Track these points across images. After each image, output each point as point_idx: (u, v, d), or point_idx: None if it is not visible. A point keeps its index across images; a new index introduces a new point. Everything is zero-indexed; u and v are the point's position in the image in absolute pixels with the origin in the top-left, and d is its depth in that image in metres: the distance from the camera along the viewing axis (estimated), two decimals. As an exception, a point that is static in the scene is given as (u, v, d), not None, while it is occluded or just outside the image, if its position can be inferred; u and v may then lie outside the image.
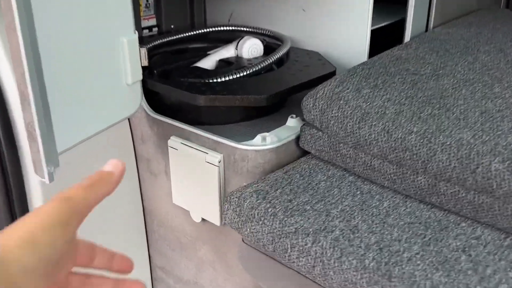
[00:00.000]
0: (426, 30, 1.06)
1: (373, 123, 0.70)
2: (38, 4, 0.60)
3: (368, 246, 0.61)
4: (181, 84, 0.85)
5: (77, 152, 0.80)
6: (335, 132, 0.73)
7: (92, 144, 0.84)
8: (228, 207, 0.70)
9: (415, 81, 0.78)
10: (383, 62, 0.84)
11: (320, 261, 0.61)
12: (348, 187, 0.73)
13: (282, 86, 0.84)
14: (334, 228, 0.64)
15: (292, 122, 0.83)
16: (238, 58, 1.00)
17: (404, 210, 0.68)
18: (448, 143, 0.63)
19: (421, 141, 0.66)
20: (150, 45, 0.99)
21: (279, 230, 0.65)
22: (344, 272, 0.59)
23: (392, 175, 0.70)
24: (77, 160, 0.85)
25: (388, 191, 0.72)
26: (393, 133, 0.68)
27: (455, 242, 0.61)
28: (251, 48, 1.00)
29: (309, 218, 0.65)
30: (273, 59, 0.92)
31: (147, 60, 0.85)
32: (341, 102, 0.73)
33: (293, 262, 0.64)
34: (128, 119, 0.92)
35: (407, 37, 1.00)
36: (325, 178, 0.75)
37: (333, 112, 0.73)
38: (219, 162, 0.79)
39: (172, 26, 1.16)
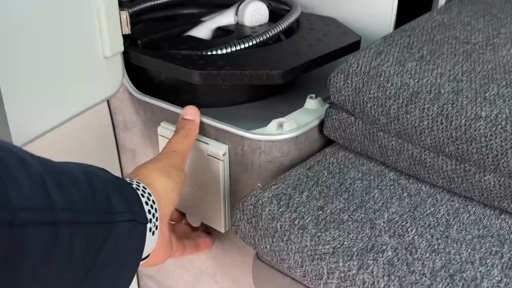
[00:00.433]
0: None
1: (426, 106, 0.54)
2: None
3: (434, 272, 0.45)
4: (173, 57, 0.68)
5: (45, 143, 0.63)
6: (374, 117, 0.57)
7: (63, 133, 0.67)
8: (241, 217, 0.54)
9: (469, 51, 0.63)
10: (424, 28, 0.68)
11: (371, 293, 0.46)
12: (391, 187, 0.57)
13: (299, 59, 0.67)
14: (384, 247, 0.48)
15: (312, 104, 0.67)
16: (238, 26, 0.83)
17: (468, 218, 0.53)
18: (535, 133, 0.48)
19: (493, 129, 0.50)
20: (133, 9, 0.81)
21: (310, 250, 0.49)
22: (405, 309, 0.44)
23: (449, 173, 0.55)
24: (46, 152, 0.68)
25: (443, 192, 0.57)
26: (454, 118, 0.52)
27: (548, 264, 0.46)
28: (254, 13, 0.83)
29: (349, 233, 0.50)
30: (284, 26, 0.76)
31: (129, 27, 0.67)
32: (381, 78, 0.57)
33: (331, 291, 0.48)
34: (107, 101, 0.75)
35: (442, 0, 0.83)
36: (360, 175, 0.59)
37: (372, 92, 0.57)
38: (224, 155, 0.63)
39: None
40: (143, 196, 0.46)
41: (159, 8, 0.88)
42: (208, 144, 0.64)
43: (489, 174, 0.52)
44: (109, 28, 0.64)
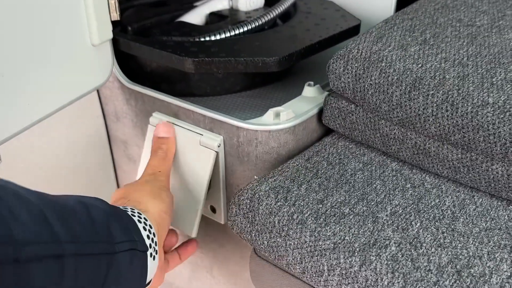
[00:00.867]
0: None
1: (430, 92, 0.51)
2: None
3: (441, 268, 0.43)
4: (164, 44, 0.65)
5: (33, 136, 0.60)
6: (375, 105, 0.55)
7: (52, 125, 0.65)
8: (236, 211, 0.52)
9: (473, 34, 0.60)
10: (427, 10, 0.65)
11: (374, 291, 0.43)
12: (394, 178, 0.55)
13: (296, 44, 0.64)
14: (388, 242, 0.46)
15: (310, 92, 0.64)
16: (233, 11, 0.79)
17: (475, 209, 0.50)
18: (546, 120, 0.45)
19: (501, 116, 0.48)
20: (122, -5, 0.78)
21: (310, 246, 0.47)
22: (410, 308, 0.42)
23: (455, 162, 0.52)
24: (35, 145, 0.65)
25: (448, 183, 0.54)
26: (460, 105, 0.50)
27: (560, 258, 0.44)
28: (249, -3, 0.80)
29: (351, 228, 0.47)
30: (280, 10, 0.73)
31: (118, 13, 0.64)
32: (383, 64, 0.54)
33: (332, 289, 0.46)
34: (97, 91, 0.72)
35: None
36: (361, 166, 0.56)
37: (373, 78, 0.54)
38: (219, 146, 0.60)
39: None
40: (139, 222, 0.46)
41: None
42: (202, 135, 0.61)
43: (497, 163, 0.50)
44: (96, 14, 0.61)
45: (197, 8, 0.79)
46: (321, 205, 0.50)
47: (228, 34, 0.68)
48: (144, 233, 0.45)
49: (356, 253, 0.45)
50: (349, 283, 0.44)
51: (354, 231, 0.47)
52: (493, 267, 0.43)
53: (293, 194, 0.51)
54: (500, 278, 0.42)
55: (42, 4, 0.54)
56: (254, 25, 0.69)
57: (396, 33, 0.59)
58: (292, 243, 0.48)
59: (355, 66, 0.55)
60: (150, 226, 0.47)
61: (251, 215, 0.50)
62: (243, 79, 0.70)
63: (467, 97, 0.50)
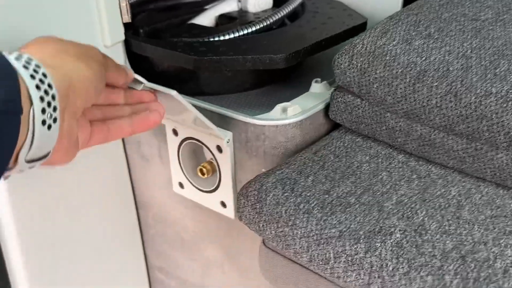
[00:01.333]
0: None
1: (434, 84, 0.52)
2: None
3: (445, 254, 0.44)
4: (175, 45, 0.66)
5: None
6: (380, 98, 0.56)
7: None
8: (245, 203, 0.53)
9: (478, 28, 0.60)
10: (432, 6, 0.66)
11: (379, 277, 0.44)
12: (400, 169, 0.55)
13: (303, 42, 0.65)
14: (392, 229, 0.47)
15: (318, 88, 0.66)
16: (242, 12, 0.81)
17: (480, 198, 0.51)
18: (548, 106, 0.46)
19: (504, 105, 0.48)
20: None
21: (316, 234, 0.48)
22: (415, 292, 0.42)
23: (460, 152, 0.53)
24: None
25: (454, 173, 0.55)
26: (464, 96, 0.50)
27: None
28: (257, -1, 0.81)
29: (356, 216, 0.48)
30: (288, 10, 0.74)
31: (129, 15, 0.66)
32: (387, 58, 0.55)
33: (338, 277, 0.47)
34: (110, 92, 0.74)
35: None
36: (367, 158, 0.57)
37: (378, 71, 0.55)
38: (228, 142, 0.62)
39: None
40: (33, 78, 0.35)
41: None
42: (211, 131, 0.62)
43: (501, 152, 0.50)
44: (108, 17, 0.63)
45: (207, 11, 0.81)
46: (327, 195, 0.51)
47: (236, 34, 0.69)
48: (35, 93, 0.35)
49: (361, 240, 0.46)
50: (354, 270, 0.45)
51: (360, 219, 0.48)
52: (497, 253, 0.44)
53: (299, 186, 0.52)
54: (504, 263, 0.43)
55: (54, 6, 0.57)
56: (261, 25, 0.71)
57: (401, 28, 0.60)
58: (299, 232, 0.49)
59: (360, 61, 0.57)
60: (50, 86, 0.36)
61: (259, 206, 0.52)
62: (252, 77, 0.72)
63: (470, 87, 0.51)
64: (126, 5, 0.65)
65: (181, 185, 0.71)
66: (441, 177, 0.54)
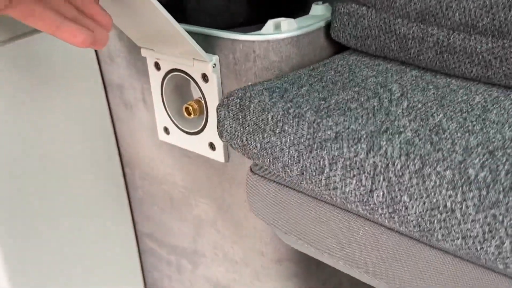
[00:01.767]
0: None
1: (452, -27, 0.43)
2: None
3: (469, 149, 0.35)
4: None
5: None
6: (390, 1, 0.47)
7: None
8: (225, 114, 0.45)
9: None
10: None
11: (384, 179, 0.35)
12: (413, 82, 0.47)
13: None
14: (402, 129, 0.38)
15: (319, 10, 0.57)
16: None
17: (510, 104, 0.42)
18: None
19: (539, -15, 0.39)
20: None
21: (308, 139, 0.39)
22: (429, 192, 0.33)
23: (485, 55, 0.44)
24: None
25: (477, 84, 0.46)
26: (488, -19, 0.42)
27: None
28: None
29: (357, 118, 0.40)
30: None
31: None
32: (395, -48, 0.47)
33: (335, 188, 0.38)
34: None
35: None
36: (374, 73, 0.49)
37: (384, -33, 0.47)
38: (214, 66, 0.54)
39: None
40: None
41: None
42: (195, 54, 0.54)
43: (537, 48, 0.41)
44: None
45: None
46: (323, 101, 0.42)
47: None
48: None
49: (363, 140, 0.37)
50: (354, 176, 0.36)
51: (361, 121, 0.39)
52: (536, 149, 0.34)
53: (291, 93, 0.44)
54: (545, 159, 0.33)
55: None
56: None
57: None
58: (288, 140, 0.40)
59: (364, -42, 0.48)
60: None
61: (242, 115, 0.43)
62: (246, 10, 0.64)
63: (496, -28, 0.42)
64: None
65: (166, 130, 0.63)
66: (463, 87, 0.45)
